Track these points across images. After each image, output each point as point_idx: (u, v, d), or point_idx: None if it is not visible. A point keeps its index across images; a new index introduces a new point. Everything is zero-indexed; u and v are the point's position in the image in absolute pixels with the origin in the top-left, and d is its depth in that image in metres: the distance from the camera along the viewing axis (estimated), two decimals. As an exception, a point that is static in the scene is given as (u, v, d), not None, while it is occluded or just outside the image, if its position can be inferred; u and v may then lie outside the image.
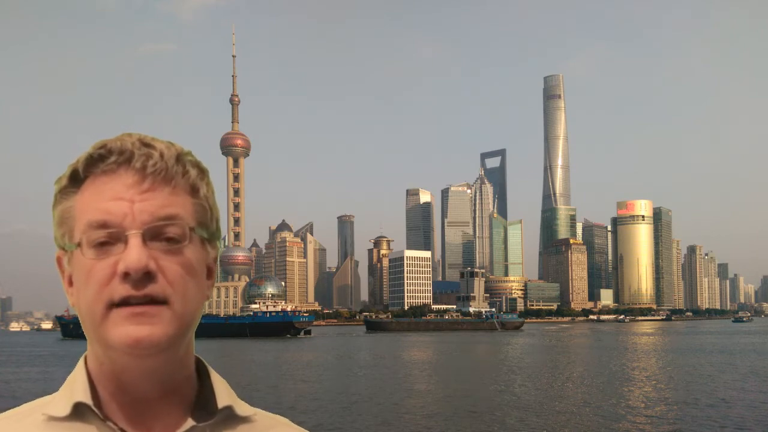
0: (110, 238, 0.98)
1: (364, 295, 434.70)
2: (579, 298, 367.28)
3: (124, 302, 0.97)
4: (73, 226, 1.02)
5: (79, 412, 1.00)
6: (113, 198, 0.99)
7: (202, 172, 1.07)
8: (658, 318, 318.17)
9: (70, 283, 1.04)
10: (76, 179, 1.03)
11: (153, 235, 0.99)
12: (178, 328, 1.00)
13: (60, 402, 1.02)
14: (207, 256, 1.08)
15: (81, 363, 1.07)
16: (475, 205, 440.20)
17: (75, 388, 1.03)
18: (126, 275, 0.96)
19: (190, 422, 1.05)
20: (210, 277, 1.09)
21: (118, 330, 0.97)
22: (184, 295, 1.00)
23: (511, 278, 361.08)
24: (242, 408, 1.10)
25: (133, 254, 0.96)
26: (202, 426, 1.05)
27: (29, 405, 1.06)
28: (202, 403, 1.08)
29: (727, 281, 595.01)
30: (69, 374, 1.07)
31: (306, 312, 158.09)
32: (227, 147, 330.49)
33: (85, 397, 1.01)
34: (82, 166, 1.02)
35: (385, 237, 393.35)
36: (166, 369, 1.04)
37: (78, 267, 1.01)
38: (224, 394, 1.09)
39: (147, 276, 0.97)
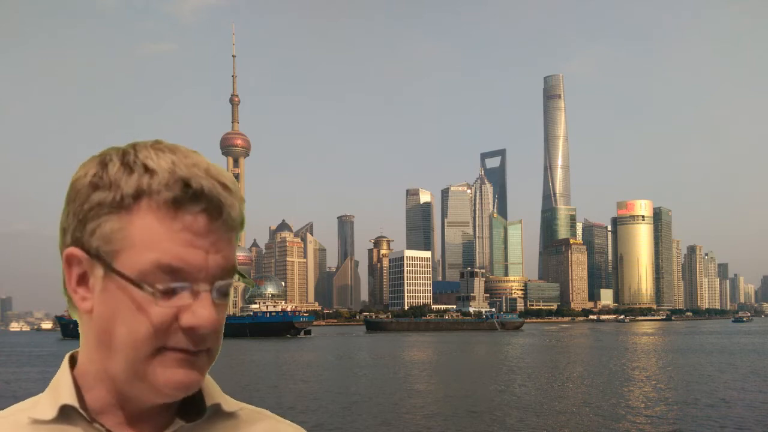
0: (180, 286, 0.94)
1: (364, 295, 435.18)
2: (579, 298, 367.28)
3: (178, 350, 0.95)
4: (126, 249, 0.94)
5: (65, 414, 0.99)
6: (189, 244, 0.94)
7: (242, 204, 1.02)
8: (658, 318, 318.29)
9: (81, 283, 0.99)
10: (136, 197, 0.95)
11: (219, 292, 0.98)
12: (209, 368, 1.02)
13: (45, 404, 1.00)
14: None
15: (65, 364, 1.05)
16: (475, 205, 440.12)
17: (60, 390, 1.01)
18: (191, 330, 0.94)
19: (178, 422, 1.05)
20: None
21: (167, 372, 0.95)
22: (219, 341, 1.01)
23: (511, 278, 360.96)
24: (228, 404, 1.10)
25: (206, 313, 0.94)
26: (190, 425, 1.05)
27: (13, 408, 1.03)
28: (190, 403, 1.07)
29: (727, 281, 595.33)
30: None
31: (306, 312, 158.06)
32: (227, 147, 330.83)
33: (72, 400, 0.99)
34: (163, 200, 0.94)
35: (385, 237, 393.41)
36: None
37: (128, 296, 0.94)
38: (211, 392, 1.09)
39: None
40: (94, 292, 0.98)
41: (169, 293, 0.94)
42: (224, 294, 0.99)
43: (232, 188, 0.99)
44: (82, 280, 0.99)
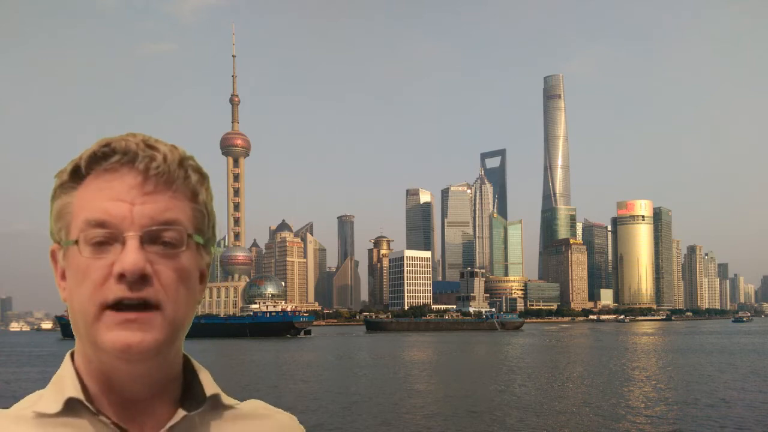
0: (108, 238, 0.98)
1: (364, 295, 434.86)
2: (579, 298, 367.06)
3: (118, 304, 0.97)
4: (71, 222, 1.02)
5: (70, 407, 1.00)
6: (113, 198, 1.00)
7: (203, 177, 1.08)
8: (658, 318, 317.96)
9: (63, 278, 1.05)
10: (77, 175, 1.03)
11: (151, 238, 0.99)
12: (169, 334, 1.01)
13: (50, 398, 1.02)
14: (201, 262, 1.09)
15: (67, 359, 1.07)
16: (475, 205, 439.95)
17: (65, 384, 1.02)
18: (121, 277, 0.96)
19: (181, 413, 1.06)
20: (202, 282, 1.10)
21: (110, 334, 0.97)
22: (176, 300, 1.01)
23: (511, 278, 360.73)
24: (225, 397, 1.14)
25: (130, 256, 0.96)
26: (192, 415, 1.07)
27: (18, 405, 1.05)
28: (190, 394, 1.10)
29: (727, 281, 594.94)
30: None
31: (306, 312, 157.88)
32: (227, 147, 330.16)
33: (77, 393, 1.00)
34: (85, 162, 1.02)
35: (385, 237, 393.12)
36: (156, 372, 1.05)
37: (73, 264, 1.01)
38: (210, 384, 1.11)
39: (142, 279, 0.97)
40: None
41: (101, 248, 0.99)
42: (159, 242, 1.01)
43: (160, 148, 1.03)
44: (64, 274, 1.05)
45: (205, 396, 1.09)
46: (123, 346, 0.96)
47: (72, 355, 1.08)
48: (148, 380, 1.04)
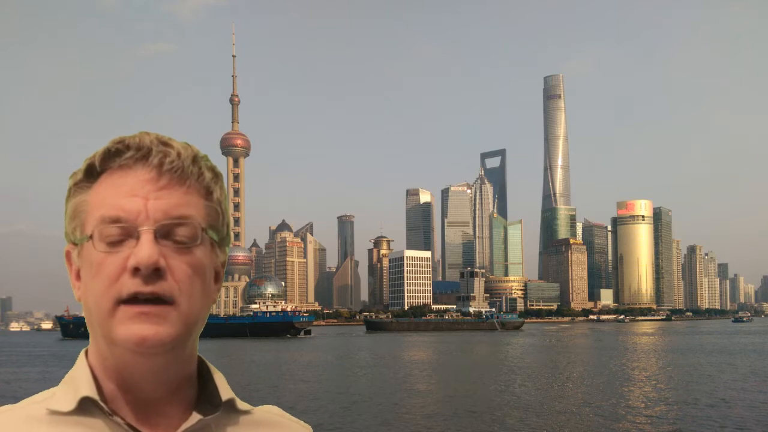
0: (122, 233, 0.99)
1: (364, 295, 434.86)
2: (579, 298, 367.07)
3: (132, 299, 0.97)
4: (86, 219, 1.02)
5: (84, 407, 0.99)
6: (128, 194, 1.00)
7: (216, 176, 1.08)
8: (658, 318, 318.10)
9: (78, 278, 1.05)
10: (91, 173, 1.03)
11: (165, 233, 1.00)
12: (183, 329, 1.00)
13: (63, 397, 1.01)
14: (216, 260, 1.09)
15: (82, 358, 1.06)
16: (475, 205, 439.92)
17: (79, 383, 1.02)
18: (136, 270, 0.97)
19: (196, 416, 1.06)
20: (217, 281, 1.10)
21: (124, 328, 0.97)
22: (190, 295, 1.01)
23: (511, 278, 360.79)
24: (240, 402, 1.13)
25: (144, 250, 0.96)
26: (208, 419, 1.06)
27: (26, 401, 1.04)
28: (206, 398, 1.10)
29: (727, 281, 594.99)
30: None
31: (306, 312, 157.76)
32: (227, 147, 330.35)
33: (92, 392, 1.00)
34: (99, 160, 1.03)
35: (385, 237, 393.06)
36: (171, 369, 1.04)
37: (88, 260, 1.01)
38: (225, 388, 1.11)
39: (156, 273, 0.98)
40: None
41: (116, 243, 0.99)
42: (173, 237, 1.01)
43: (174, 144, 1.04)
44: (79, 273, 1.05)
45: (221, 400, 1.08)
46: (138, 339, 0.96)
47: (87, 354, 1.07)
48: (163, 377, 1.03)
